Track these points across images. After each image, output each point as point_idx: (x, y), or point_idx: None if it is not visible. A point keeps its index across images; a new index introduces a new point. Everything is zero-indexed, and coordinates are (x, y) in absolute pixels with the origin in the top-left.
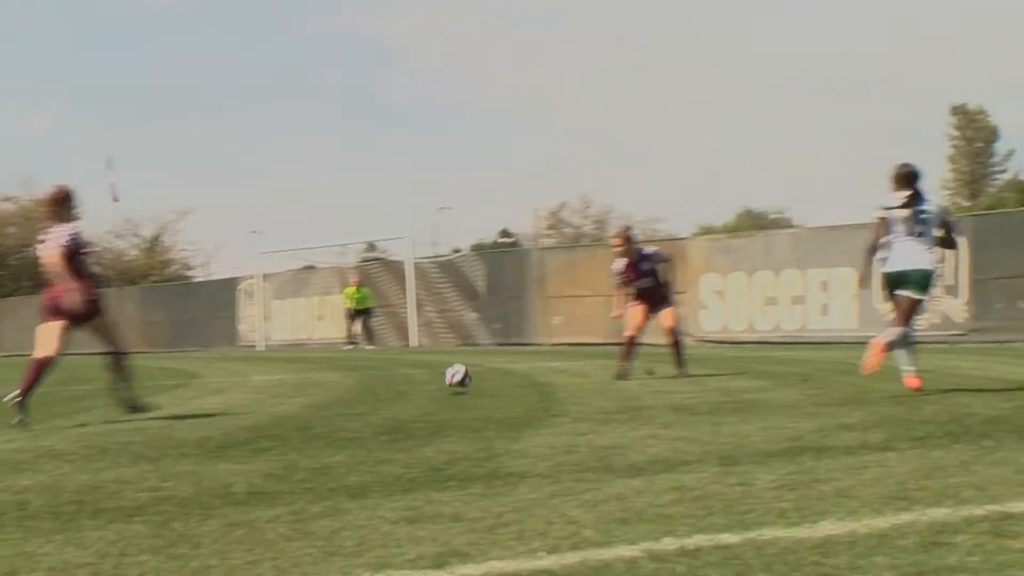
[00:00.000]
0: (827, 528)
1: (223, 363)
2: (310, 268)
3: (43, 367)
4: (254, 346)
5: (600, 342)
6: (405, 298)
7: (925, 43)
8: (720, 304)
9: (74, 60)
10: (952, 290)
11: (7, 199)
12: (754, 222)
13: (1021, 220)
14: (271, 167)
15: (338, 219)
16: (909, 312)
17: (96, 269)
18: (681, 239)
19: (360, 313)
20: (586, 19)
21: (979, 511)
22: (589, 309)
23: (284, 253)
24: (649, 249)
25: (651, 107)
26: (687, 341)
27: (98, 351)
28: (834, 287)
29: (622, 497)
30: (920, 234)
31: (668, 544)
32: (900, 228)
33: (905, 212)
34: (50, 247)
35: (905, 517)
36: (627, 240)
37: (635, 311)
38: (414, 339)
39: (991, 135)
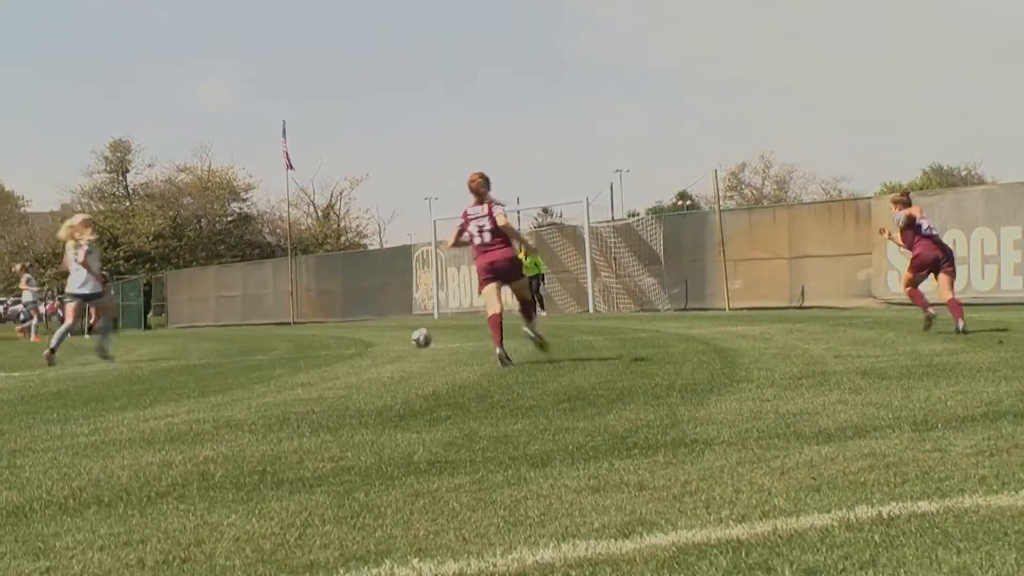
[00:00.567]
0: None
1: (399, 331)
2: None
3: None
4: (430, 314)
5: (782, 305)
6: (582, 263)
7: None
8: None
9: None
10: None
11: (183, 169)
12: (943, 179)
13: None
14: (445, 132)
15: (513, 184)
16: None
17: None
18: (866, 198)
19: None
20: None
21: None
22: (770, 272)
23: (458, 219)
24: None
25: (834, 63)
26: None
27: (276, 321)
28: None
29: (812, 464)
30: None
31: (862, 512)
32: None
33: None
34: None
35: None
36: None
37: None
38: (591, 305)
39: None
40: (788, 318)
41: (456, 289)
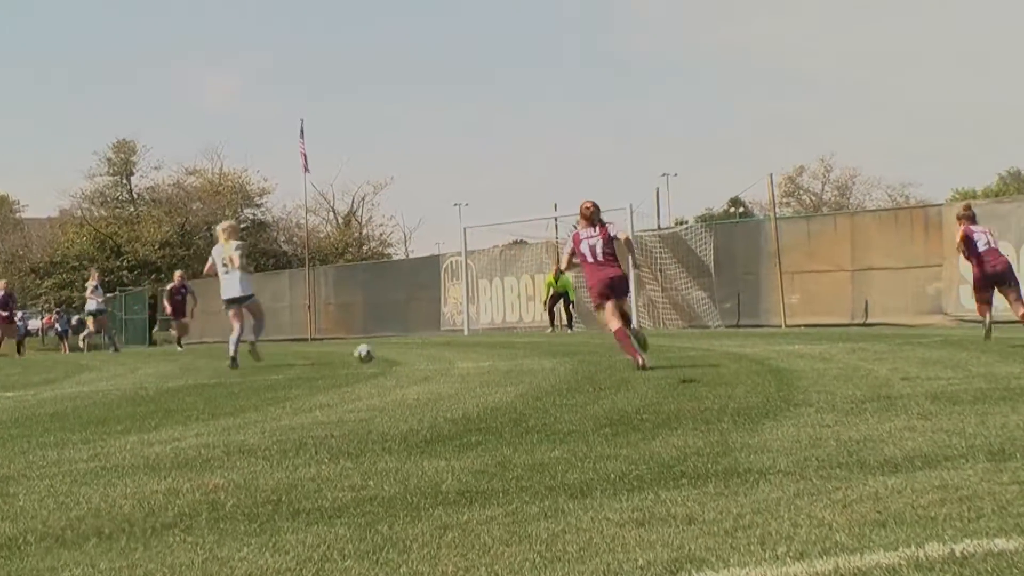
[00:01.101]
0: None
1: (425, 349)
2: (520, 243)
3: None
4: (460, 330)
5: (844, 322)
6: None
7: None
8: None
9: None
10: None
11: (192, 172)
12: (1021, 185)
13: None
14: (475, 135)
15: (550, 189)
16: None
17: None
18: (936, 205)
19: (558, 297)
20: None
21: None
22: (831, 286)
23: (491, 228)
24: None
25: (902, 56)
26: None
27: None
28: None
29: (878, 497)
30: None
31: (933, 550)
32: None
33: None
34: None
35: None
36: None
37: None
38: (635, 321)
39: None
40: (850, 336)
41: (488, 304)
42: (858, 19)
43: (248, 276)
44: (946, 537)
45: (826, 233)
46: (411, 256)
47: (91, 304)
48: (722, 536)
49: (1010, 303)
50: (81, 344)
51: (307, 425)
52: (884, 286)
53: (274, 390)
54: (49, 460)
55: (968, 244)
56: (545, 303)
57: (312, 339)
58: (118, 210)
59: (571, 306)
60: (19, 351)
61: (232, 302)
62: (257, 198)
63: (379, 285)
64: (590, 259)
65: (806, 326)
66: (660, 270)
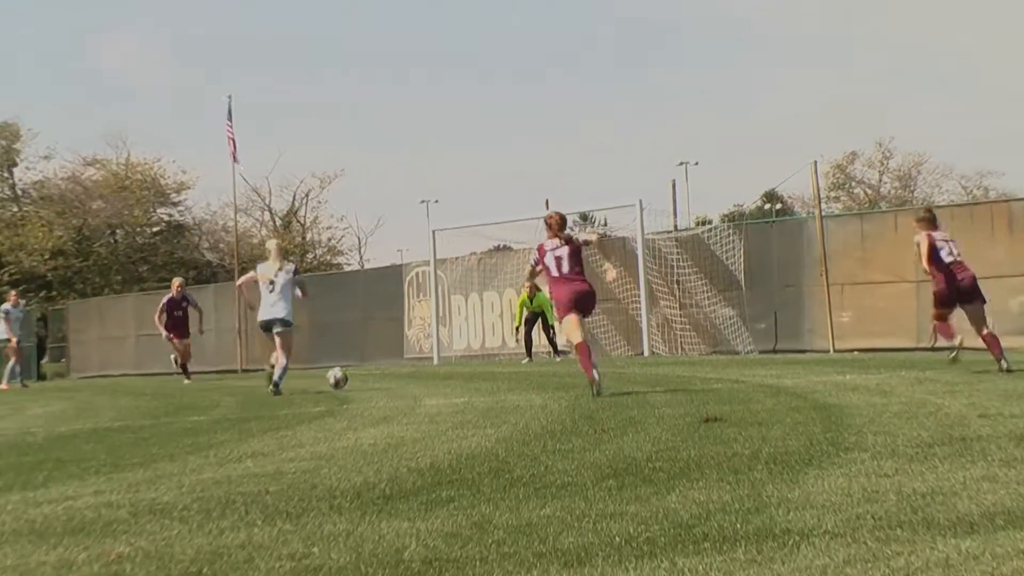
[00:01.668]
0: None
1: (385, 381)
2: (502, 250)
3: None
4: (429, 358)
5: (907, 346)
6: (634, 288)
7: None
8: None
9: None
10: None
11: (91, 163)
12: None
13: None
14: (447, 116)
15: (541, 183)
16: None
17: None
18: (1020, 199)
19: (534, 319)
20: None
21: None
22: (892, 300)
23: (467, 230)
24: None
25: (976, 20)
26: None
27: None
28: None
29: (949, 564)
30: None
31: None
32: None
33: None
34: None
35: None
36: None
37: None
38: (646, 345)
39: None
40: (915, 363)
41: (463, 325)
42: None
43: (290, 303)
44: None
45: (885, 235)
46: (367, 267)
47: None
48: None
49: (973, 322)
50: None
51: (236, 478)
52: None
53: (195, 435)
54: None
55: (931, 254)
56: (518, 328)
57: (243, 371)
58: None
59: (551, 330)
60: None
61: (267, 326)
62: (173, 194)
63: (327, 303)
64: (555, 272)
65: (860, 351)
66: (677, 282)
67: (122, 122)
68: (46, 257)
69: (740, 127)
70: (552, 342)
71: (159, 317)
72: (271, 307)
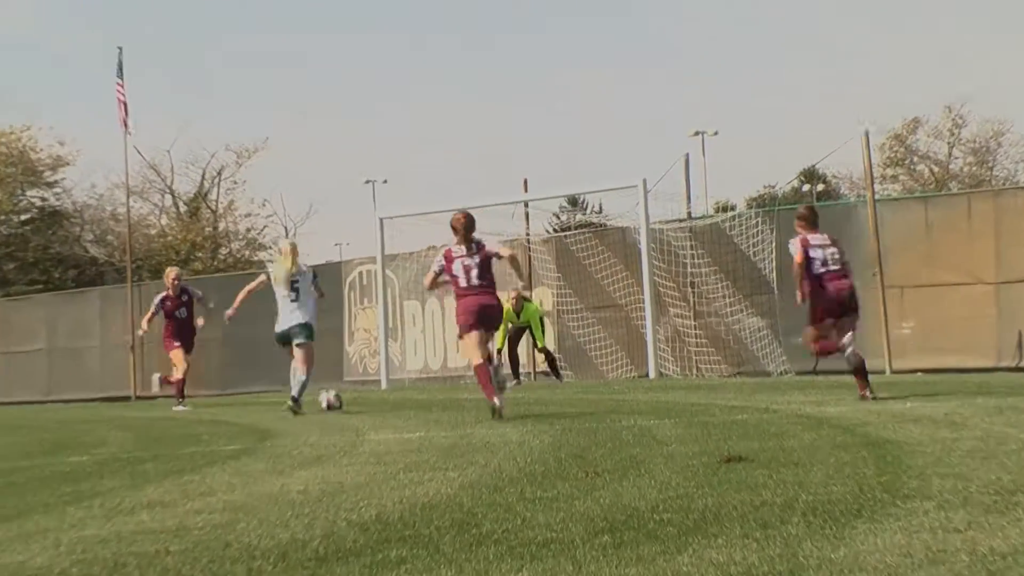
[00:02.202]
0: None
1: (320, 411)
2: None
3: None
4: (376, 381)
5: (986, 366)
6: (636, 292)
7: None
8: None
9: None
10: None
11: None
12: None
13: None
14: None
15: (518, 158)
16: None
17: None
18: None
19: (520, 334)
20: None
21: None
22: (965, 307)
23: (423, 219)
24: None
25: None
26: None
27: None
28: None
29: None
30: None
31: None
32: None
33: None
34: None
35: None
36: None
37: None
38: (652, 364)
39: None
40: (995, 387)
41: (419, 339)
42: None
43: (314, 309)
44: None
45: (956, 223)
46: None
47: None
48: None
49: (840, 329)
50: None
51: (127, 535)
52: None
53: (76, 480)
54: None
55: (806, 260)
56: (499, 352)
57: (138, 398)
58: None
59: (546, 351)
60: None
61: (286, 337)
62: (48, 172)
63: (244, 312)
64: (463, 282)
65: (924, 371)
66: (691, 284)
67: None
68: None
69: (771, 86)
70: (550, 360)
71: (149, 322)
72: (290, 314)
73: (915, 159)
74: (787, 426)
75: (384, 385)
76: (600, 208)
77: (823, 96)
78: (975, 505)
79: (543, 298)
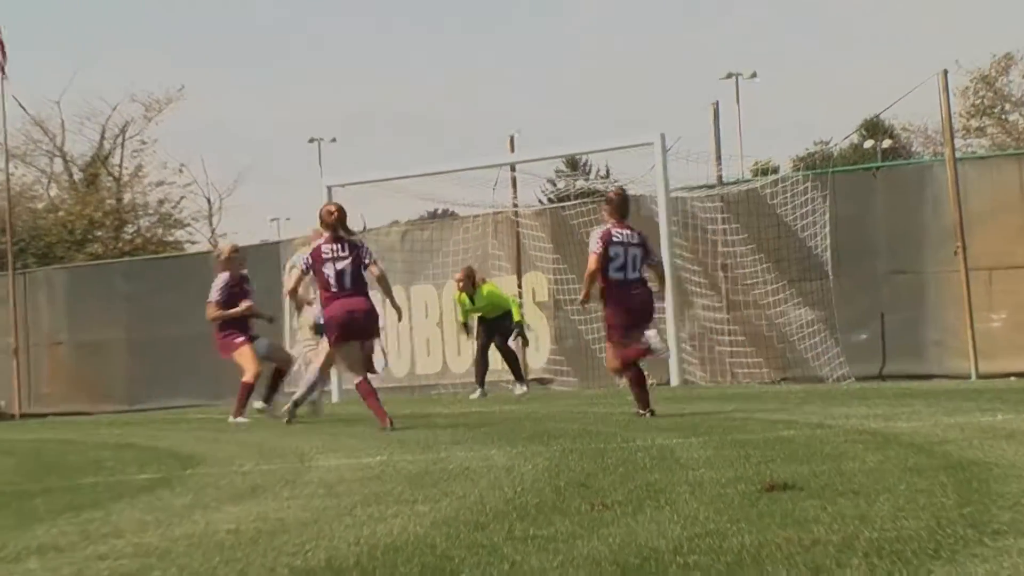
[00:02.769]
0: None
1: (254, 430)
2: (442, 217)
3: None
4: (325, 392)
5: None
6: (654, 277)
7: None
8: None
9: None
10: None
11: None
12: None
13: None
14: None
15: (504, 108)
16: None
17: None
18: None
19: (493, 329)
20: None
21: None
22: None
23: (383, 186)
24: None
25: None
26: None
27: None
28: None
29: None
30: None
31: None
32: None
33: None
34: None
35: None
36: None
37: None
38: (675, 369)
39: None
40: None
41: (380, 338)
42: None
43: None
44: None
45: None
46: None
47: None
48: None
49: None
50: None
51: None
52: None
53: None
54: None
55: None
56: (464, 326)
57: (22, 415)
58: None
59: (519, 338)
60: None
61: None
62: None
63: (155, 305)
64: (333, 285)
65: (1019, 375)
66: (723, 267)
67: None
68: None
69: (822, 17)
70: (514, 361)
71: (217, 311)
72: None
73: (1007, 107)
74: (845, 445)
75: (334, 398)
76: (607, 172)
77: (890, 27)
78: None
79: (536, 286)
